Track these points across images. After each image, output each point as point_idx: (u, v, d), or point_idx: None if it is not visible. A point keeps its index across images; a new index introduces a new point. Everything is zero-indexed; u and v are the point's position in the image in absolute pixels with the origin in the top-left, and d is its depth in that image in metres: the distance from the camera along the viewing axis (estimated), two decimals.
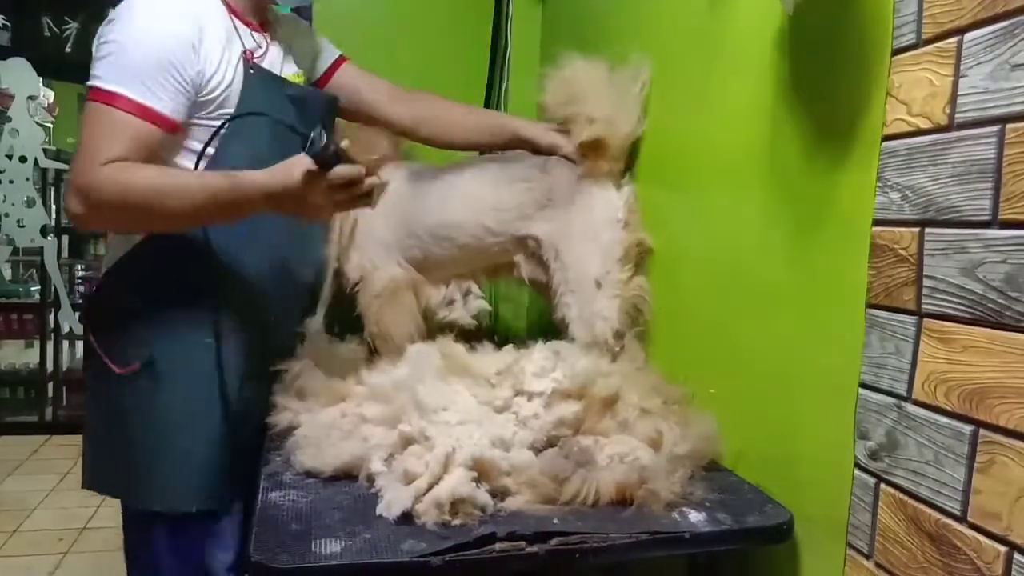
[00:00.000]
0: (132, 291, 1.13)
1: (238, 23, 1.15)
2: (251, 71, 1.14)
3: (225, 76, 1.10)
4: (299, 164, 0.98)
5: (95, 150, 0.99)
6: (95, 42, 1.04)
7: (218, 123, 1.07)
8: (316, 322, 1.26)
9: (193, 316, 1.13)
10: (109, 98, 1.01)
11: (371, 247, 1.32)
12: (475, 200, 1.29)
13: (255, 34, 1.19)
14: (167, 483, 1.13)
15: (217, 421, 1.15)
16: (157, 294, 1.12)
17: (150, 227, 1.09)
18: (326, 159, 0.97)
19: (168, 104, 1.03)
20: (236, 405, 1.16)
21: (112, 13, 1.05)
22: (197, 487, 1.13)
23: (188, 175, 1.04)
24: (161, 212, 1.01)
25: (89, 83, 1.02)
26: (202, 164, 1.06)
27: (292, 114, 1.17)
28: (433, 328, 1.35)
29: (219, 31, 1.10)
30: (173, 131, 1.06)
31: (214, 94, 1.09)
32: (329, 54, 1.36)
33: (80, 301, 4.27)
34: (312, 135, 0.96)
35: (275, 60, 1.21)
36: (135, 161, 1.01)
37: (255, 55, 1.16)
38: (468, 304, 1.40)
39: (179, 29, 1.04)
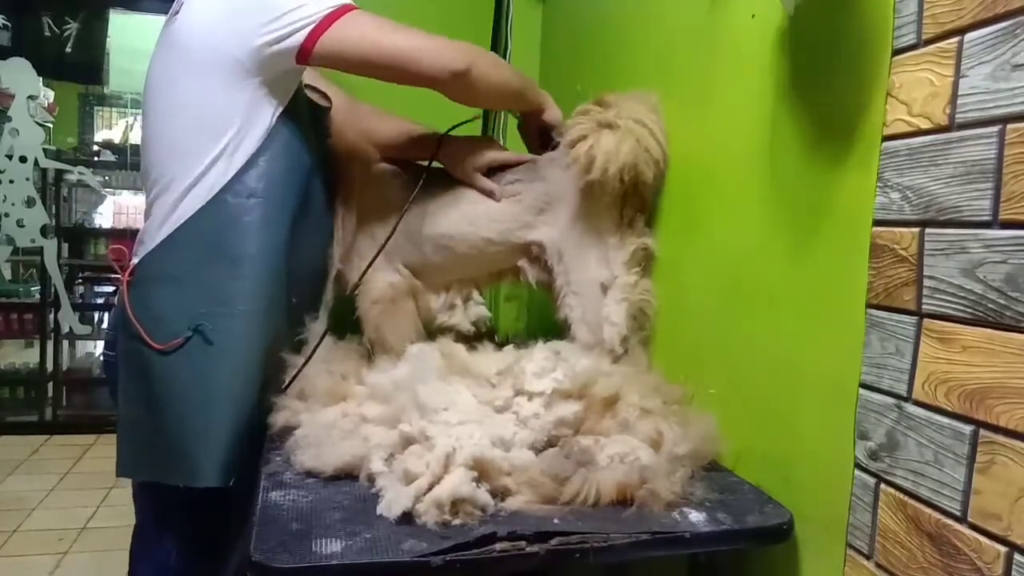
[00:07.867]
0: (177, 265, 1.14)
1: None
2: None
3: None
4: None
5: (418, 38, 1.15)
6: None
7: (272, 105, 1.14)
8: (319, 323, 1.25)
9: (232, 287, 1.14)
10: (351, 7, 1.11)
11: (370, 252, 1.32)
12: (474, 213, 1.28)
13: None
14: (208, 456, 1.10)
15: (256, 390, 1.14)
16: (200, 267, 1.13)
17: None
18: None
19: None
20: (269, 376, 1.15)
21: None
22: (233, 462, 1.11)
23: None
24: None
25: (329, 9, 1.09)
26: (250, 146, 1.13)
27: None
28: (432, 333, 1.34)
29: None
30: None
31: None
32: None
33: (80, 301, 4.28)
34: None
35: None
36: None
37: None
38: (468, 310, 1.40)
39: None
